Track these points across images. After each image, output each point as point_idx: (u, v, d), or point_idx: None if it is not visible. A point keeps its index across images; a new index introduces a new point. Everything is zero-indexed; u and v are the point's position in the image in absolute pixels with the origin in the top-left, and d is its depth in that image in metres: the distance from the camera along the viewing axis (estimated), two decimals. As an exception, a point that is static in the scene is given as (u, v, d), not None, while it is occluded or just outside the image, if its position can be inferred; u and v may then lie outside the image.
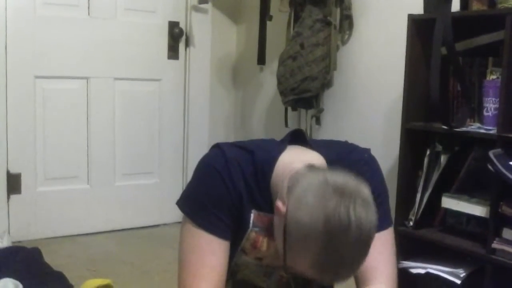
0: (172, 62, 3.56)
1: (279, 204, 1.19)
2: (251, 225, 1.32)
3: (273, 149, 1.35)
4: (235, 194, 1.29)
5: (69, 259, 2.89)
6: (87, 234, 3.32)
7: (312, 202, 1.12)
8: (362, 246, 1.12)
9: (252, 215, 1.31)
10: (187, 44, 3.59)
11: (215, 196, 1.29)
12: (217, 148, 1.35)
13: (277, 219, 1.22)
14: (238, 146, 1.36)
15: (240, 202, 1.30)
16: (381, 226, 1.31)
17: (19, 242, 2.94)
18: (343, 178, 1.15)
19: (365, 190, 1.14)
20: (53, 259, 2.55)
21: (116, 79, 3.38)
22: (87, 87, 3.30)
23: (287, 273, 1.24)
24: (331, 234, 1.09)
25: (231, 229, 1.31)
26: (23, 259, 2.36)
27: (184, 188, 3.66)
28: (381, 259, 1.37)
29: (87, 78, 3.29)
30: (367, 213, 1.12)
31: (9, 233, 3.05)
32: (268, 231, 1.33)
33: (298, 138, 1.41)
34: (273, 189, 1.30)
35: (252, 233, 1.33)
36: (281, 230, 1.18)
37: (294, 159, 1.27)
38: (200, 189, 1.32)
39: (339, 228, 1.09)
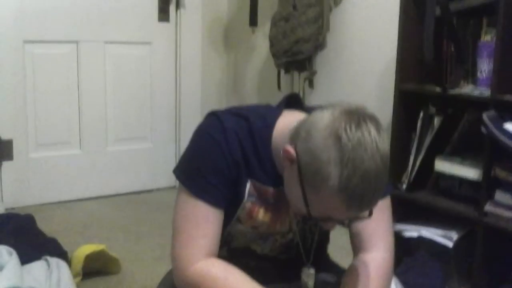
0: (163, 24, 3.51)
1: (288, 147, 1.16)
2: (246, 195, 1.31)
3: (269, 115, 1.32)
4: (232, 164, 1.27)
5: (63, 225, 2.90)
6: (80, 200, 3.32)
7: (321, 128, 1.10)
8: (381, 159, 1.09)
9: (248, 185, 1.30)
10: (177, 6, 3.53)
11: (212, 166, 1.27)
12: (214, 117, 1.32)
13: (288, 170, 1.20)
14: (234, 113, 1.33)
15: (237, 172, 1.28)
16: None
17: (12, 209, 2.94)
18: (349, 104, 1.13)
19: (373, 114, 1.12)
20: (47, 226, 2.55)
21: (106, 42, 3.33)
22: (77, 51, 3.25)
23: (311, 219, 1.22)
24: (345, 151, 1.07)
25: (226, 198, 1.30)
26: (17, 226, 2.36)
27: (177, 153, 3.67)
28: (378, 227, 1.36)
29: (76, 42, 3.24)
30: (377, 129, 1.10)
31: (2, 200, 3.05)
32: (264, 201, 1.32)
33: (293, 102, 1.39)
34: (275, 155, 1.28)
35: (248, 203, 1.32)
36: (294, 175, 1.16)
37: (292, 122, 1.25)
38: (197, 158, 1.31)
39: (351, 142, 1.07)
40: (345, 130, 1.08)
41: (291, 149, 1.16)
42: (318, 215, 1.17)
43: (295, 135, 1.18)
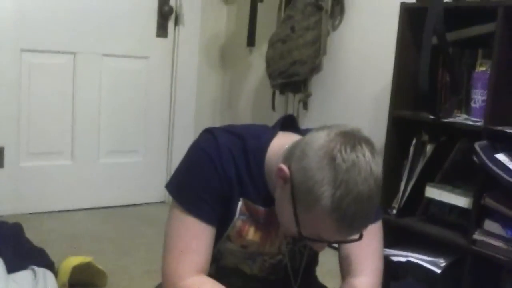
0: (161, 40, 3.53)
1: (282, 166, 1.17)
2: (237, 213, 1.31)
3: (264, 135, 1.33)
4: (225, 181, 1.28)
5: (51, 235, 2.88)
6: (69, 211, 3.30)
7: (316, 148, 1.11)
8: (375, 182, 1.10)
9: (239, 203, 1.31)
10: (176, 23, 3.55)
11: (206, 182, 1.28)
12: (209, 134, 1.33)
13: (280, 189, 1.20)
14: (230, 132, 1.33)
15: (230, 190, 1.29)
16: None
17: (1, 216, 2.91)
18: (345, 126, 1.15)
19: (368, 138, 1.13)
20: (35, 235, 2.53)
21: (103, 55, 3.34)
22: (74, 62, 3.26)
23: (301, 239, 1.22)
24: (339, 171, 1.07)
25: (218, 215, 1.30)
26: (4, 235, 2.34)
27: (168, 168, 3.66)
28: (368, 251, 1.36)
29: (74, 53, 3.25)
30: (372, 152, 1.11)
31: (-10, 207, 3.03)
32: (255, 220, 1.33)
33: (289, 124, 1.40)
34: (268, 175, 1.29)
35: (239, 221, 1.32)
36: (287, 194, 1.17)
37: (286, 143, 1.26)
38: (190, 174, 1.31)
39: (346, 164, 1.07)
40: (340, 151, 1.09)
41: (285, 168, 1.17)
42: (309, 235, 1.18)
43: (290, 154, 1.19)
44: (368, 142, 1.12)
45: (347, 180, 1.08)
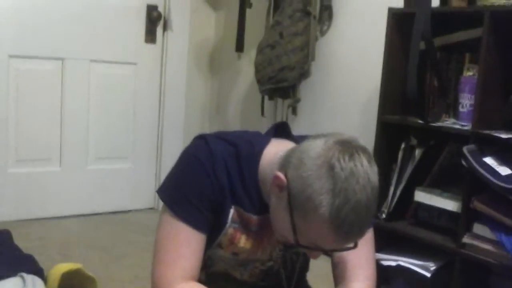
0: (149, 46, 3.52)
1: (278, 173, 1.17)
2: (229, 220, 1.30)
3: (257, 142, 1.32)
4: (218, 188, 1.27)
5: (40, 242, 2.86)
6: (58, 217, 3.28)
7: (314, 157, 1.12)
8: (372, 190, 1.10)
9: (231, 211, 1.30)
10: (165, 28, 3.55)
11: (198, 189, 1.27)
12: (202, 140, 1.32)
13: (276, 197, 1.20)
14: (223, 139, 1.33)
15: (222, 197, 1.28)
16: None
17: (-11, 223, 2.90)
18: (342, 134, 1.16)
19: (365, 146, 1.14)
20: (24, 242, 2.51)
21: (92, 61, 3.33)
22: (62, 68, 3.25)
23: (297, 247, 1.22)
24: (338, 180, 1.08)
25: (209, 222, 1.30)
26: (-7, 241, 2.33)
27: (157, 174, 3.64)
28: (361, 257, 1.36)
29: (62, 59, 3.24)
30: (369, 161, 1.11)
31: (-21, 214, 3.01)
32: (247, 228, 1.32)
33: (282, 131, 1.40)
34: (262, 183, 1.28)
35: (230, 229, 1.31)
36: (283, 202, 1.16)
37: (280, 150, 1.26)
38: (182, 180, 1.30)
39: (344, 172, 1.08)
40: (339, 160, 1.09)
41: (281, 176, 1.16)
42: (305, 243, 1.18)
43: (286, 162, 1.19)
44: (365, 151, 1.13)
45: (346, 188, 1.08)
